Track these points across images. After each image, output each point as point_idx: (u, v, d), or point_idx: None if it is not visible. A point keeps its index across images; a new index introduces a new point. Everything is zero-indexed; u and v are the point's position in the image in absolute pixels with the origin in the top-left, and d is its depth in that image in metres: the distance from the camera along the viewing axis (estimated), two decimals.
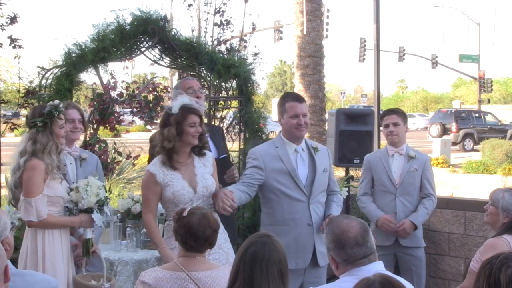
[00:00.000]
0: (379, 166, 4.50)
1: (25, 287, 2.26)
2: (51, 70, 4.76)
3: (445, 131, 25.07)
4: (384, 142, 5.06)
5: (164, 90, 5.29)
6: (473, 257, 3.24)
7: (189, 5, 5.75)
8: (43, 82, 4.71)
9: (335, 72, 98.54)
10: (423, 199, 4.43)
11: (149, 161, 3.94)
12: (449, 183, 14.04)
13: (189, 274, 2.59)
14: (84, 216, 3.43)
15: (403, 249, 4.39)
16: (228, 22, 5.64)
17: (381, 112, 6.73)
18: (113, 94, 5.09)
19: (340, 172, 9.30)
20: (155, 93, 5.21)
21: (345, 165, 5.58)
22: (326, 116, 11.59)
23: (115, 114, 4.98)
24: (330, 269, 3.17)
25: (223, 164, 4.01)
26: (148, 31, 4.86)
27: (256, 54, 5.67)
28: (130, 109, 5.17)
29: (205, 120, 4.17)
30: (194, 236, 2.64)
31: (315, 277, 3.61)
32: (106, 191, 3.51)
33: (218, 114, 5.40)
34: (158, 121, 5.49)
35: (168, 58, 5.20)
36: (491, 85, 36.16)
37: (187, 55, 5.07)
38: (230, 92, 5.28)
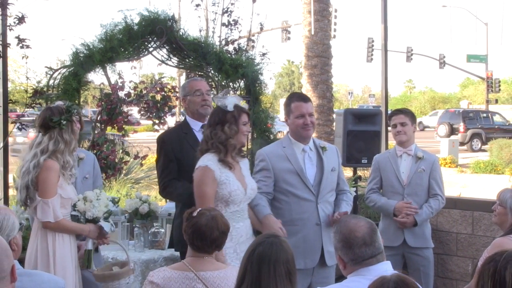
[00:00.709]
0: (388, 167, 4.50)
1: (32, 287, 2.29)
2: (59, 70, 4.77)
3: (452, 131, 24.97)
4: (392, 142, 5.05)
5: (172, 90, 5.29)
6: (480, 257, 3.23)
7: (197, 5, 5.75)
8: (51, 82, 4.73)
9: (343, 72, 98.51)
10: (429, 199, 4.42)
11: (157, 161, 3.95)
12: (457, 183, 13.99)
13: (197, 274, 2.60)
14: (92, 226, 3.44)
15: (411, 249, 4.38)
16: (236, 22, 5.64)
17: (389, 112, 6.72)
18: (121, 94, 5.09)
19: (348, 172, 9.28)
20: (163, 93, 5.22)
21: (352, 165, 5.57)
22: (334, 116, 11.58)
23: (123, 114, 4.99)
24: (338, 269, 3.16)
25: None
26: (156, 31, 4.87)
27: (264, 54, 5.65)
28: (138, 109, 5.18)
29: None
30: (200, 237, 2.65)
31: (323, 277, 3.61)
32: (114, 204, 3.52)
33: None
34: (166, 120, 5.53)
35: (176, 58, 5.22)
36: (499, 85, 35.94)
37: (195, 55, 5.08)
38: (238, 92, 5.28)
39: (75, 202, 3.45)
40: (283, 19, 28.13)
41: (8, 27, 4.69)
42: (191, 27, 8.45)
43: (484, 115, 26.50)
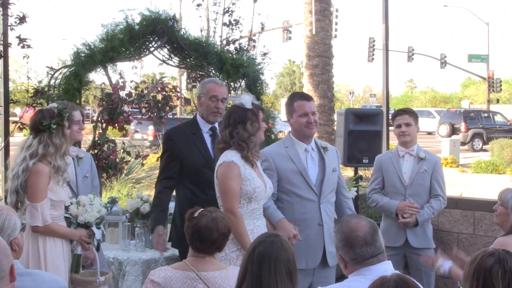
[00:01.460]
0: (390, 167, 4.49)
1: (33, 287, 2.30)
2: (60, 70, 4.78)
3: (454, 131, 24.96)
4: (392, 142, 5.05)
5: (173, 90, 5.29)
6: None
7: (198, 5, 5.76)
8: (52, 82, 4.74)
9: (344, 72, 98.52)
10: (430, 199, 4.42)
11: (161, 157, 3.95)
12: (458, 183, 13.99)
13: (198, 274, 2.59)
14: (83, 231, 3.44)
15: (413, 249, 4.38)
16: (237, 22, 5.65)
17: (391, 112, 6.71)
18: (122, 94, 5.08)
19: (348, 172, 9.27)
20: (164, 93, 5.20)
21: (354, 165, 5.56)
22: (335, 116, 11.58)
23: (124, 114, 4.99)
24: (339, 269, 3.16)
25: None
26: (157, 31, 4.87)
27: (265, 54, 5.66)
28: (139, 110, 5.18)
29: None
30: (200, 238, 2.64)
31: (324, 277, 3.61)
32: (107, 210, 3.51)
33: None
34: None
35: (177, 58, 5.22)
36: (500, 85, 35.93)
37: (196, 55, 5.08)
38: (239, 92, 5.28)
39: (68, 204, 3.44)
40: (284, 19, 28.22)
41: (9, 27, 4.71)
42: (192, 27, 8.46)
43: (485, 115, 26.48)
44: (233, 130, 3.26)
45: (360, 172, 6.60)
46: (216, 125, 3.90)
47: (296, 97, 3.72)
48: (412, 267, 4.37)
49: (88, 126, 10.06)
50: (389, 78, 6.79)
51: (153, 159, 8.80)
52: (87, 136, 4.06)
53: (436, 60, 34.97)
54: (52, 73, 4.76)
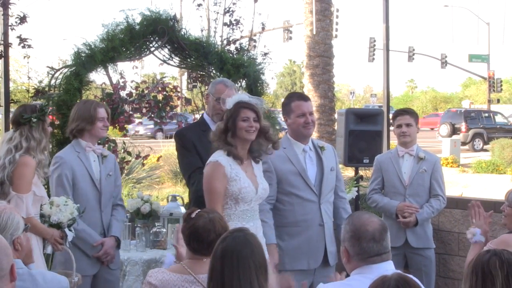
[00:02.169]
0: (390, 167, 4.50)
1: (35, 286, 2.31)
2: (61, 70, 4.77)
3: (454, 131, 24.97)
4: (393, 142, 5.05)
5: (174, 90, 5.29)
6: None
7: (199, 5, 5.75)
8: (53, 82, 4.73)
9: (345, 72, 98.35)
10: (430, 199, 4.43)
11: (179, 156, 3.89)
12: (459, 183, 14.00)
13: (196, 278, 2.56)
14: (55, 231, 3.46)
15: (413, 249, 4.39)
16: (237, 22, 5.64)
17: (391, 111, 6.72)
18: (123, 93, 5.09)
19: (349, 172, 9.28)
20: (165, 92, 5.21)
21: (354, 165, 5.56)
22: (336, 116, 11.58)
23: (125, 114, 5.00)
24: (338, 267, 3.16)
25: None
26: (157, 31, 4.86)
27: (265, 54, 5.65)
28: (139, 109, 5.18)
29: None
30: (197, 239, 2.62)
31: (324, 276, 3.60)
32: (79, 213, 3.52)
33: None
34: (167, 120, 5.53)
35: (177, 58, 5.20)
36: (501, 85, 35.93)
37: (196, 54, 5.07)
38: (239, 92, 5.28)
39: (45, 202, 3.48)
40: (284, 19, 28.24)
41: (10, 27, 4.72)
42: (192, 27, 8.46)
43: (486, 114, 26.49)
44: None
45: (361, 172, 6.60)
46: None
47: (294, 98, 3.71)
48: (412, 267, 4.37)
49: None
50: (389, 78, 6.81)
51: (153, 159, 8.83)
52: None
53: (436, 60, 34.97)
54: (53, 73, 4.75)
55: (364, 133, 5.34)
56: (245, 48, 5.59)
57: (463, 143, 22.58)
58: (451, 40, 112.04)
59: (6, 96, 4.79)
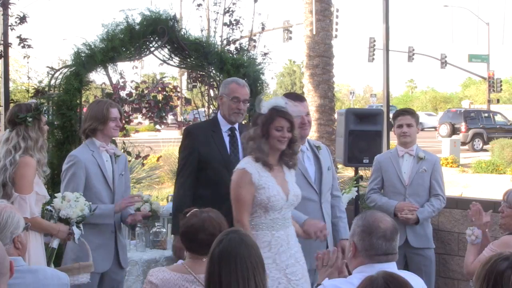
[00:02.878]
0: (389, 167, 4.51)
1: (36, 283, 2.33)
2: (61, 70, 4.76)
3: (454, 131, 24.99)
4: (393, 142, 5.05)
5: (174, 90, 5.30)
6: (485, 250, 3.25)
7: (199, 5, 5.75)
8: (53, 82, 4.73)
9: (345, 72, 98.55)
10: (431, 198, 4.45)
11: (180, 152, 3.90)
12: (459, 183, 14.01)
13: (196, 277, 2.57)
14: (62, 226, 3.46)
15: (413, 249, 4.40)
16: (237, 22, 5.64)
17: (392, 111, 6.72)
18: (123, 94, 5.10)
19: (349, 172, 9.28)
20: (165, 92, 5.22)
21: (354, 165, 5.56)
22: (336, 116, 11.59)
23: (124, 114, 5.00)
24: None
25: None
26: (157, 31, 4.87)
27: (265, 54, 5.65)
28: (139, 109, 5.19)
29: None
30: (188, 238, 2.64)
31: None
32: (90, 211, 3.52)
33: None
34: (168, 121, 5.54)
35: (177, 58, 5.20)
36: (501, 85, 35.96)
37: (196, 55, 5.08)
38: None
39: (47, 200, 3.49)
40: (284, 19, 28.24)
41: (9, 27, 4.72)
42: (192, 27, 8.45)
43: (486, 115, 26.52)
44: (245, 133, 3.25)
45: (361, 172, 6.59)
46: (236, 126, 3.91)
47: (290, 99, 3.64)
48: (412, 267, 4.38)
49: None
50: (389, 78, 6.81)
51: (153, 159, 8.83)
52: None
53: (436, 60, 34.99)
54: (53, 73, 4.75)
55: (364, 133, 5.34)
56: (245, 48, 5.59)
57: (463, 143, 22.60)
58: (451, 40, 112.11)
59: (6, 96, 4.80)
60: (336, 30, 20.10)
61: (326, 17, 12.24)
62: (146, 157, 5.69)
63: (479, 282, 2.03)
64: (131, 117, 5.22)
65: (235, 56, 5.30)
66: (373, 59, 28.61)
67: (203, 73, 5.43)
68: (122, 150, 5.24)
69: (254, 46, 5.91)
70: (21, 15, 4.72)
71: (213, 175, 3.78)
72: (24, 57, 4.83)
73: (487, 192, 10.86)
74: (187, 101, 5.70)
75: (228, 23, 5.67)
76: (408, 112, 4.53)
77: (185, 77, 7.82)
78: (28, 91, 4.87)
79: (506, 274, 1.97)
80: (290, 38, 26.42)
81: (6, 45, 4.75)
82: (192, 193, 3.82)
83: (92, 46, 4.65)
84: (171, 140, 13.66)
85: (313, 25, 11.99)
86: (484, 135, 24.12)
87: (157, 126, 5.36)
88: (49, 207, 3.46)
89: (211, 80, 5.31)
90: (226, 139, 3.87)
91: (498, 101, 38.53)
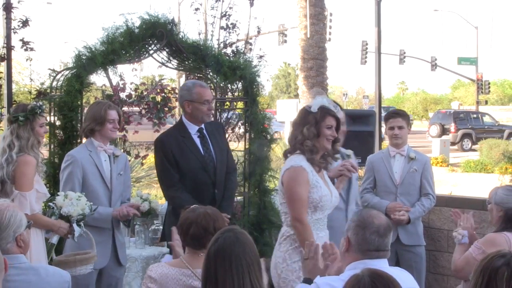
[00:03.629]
0: (381, 167, 4.57)
1: (38, 280, 2.37)
2: (62, 72, 4.81)
3: (444, 131, 25.16)
4: (385, 142, 5.15)
5: (172, 92, 5.37)
6: (471, 248, 3.36)
7: (196, 9, 5.81)
8: (54, 83, 4.77)
9: (338, 74, 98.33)
10: (421, 198, 4.52)
11: (157, 164, 3.88)
12: (448, 182, 14.15)
13: (194, 272, 2.59)
14: (63, 223, 3.52)
15: (404, 247, 4.47)
16: (234, 25, 5.71)
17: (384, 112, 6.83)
18: (122, 95, 5.15)
19: None
20: (163, 94, 5.28)
21: None
22: None
23: (124, 115, 5.08)
24: None
25: None
26: (156, 34, 4.90)
27: (261, 57, 5.74)
28: (139, 110, 5.26)
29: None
30: (181, 232, 2.67)
31: None
32: (91, 211, 3.58)
33: (224, 115, 5.50)
34: (166, 121, 5.61)
35: (175, 61, 5.25)
36: (489, 87, 36.28)
37: (194, 57, 5.11)
38: (236, 94, 5.38)
39: (49, 198, 3.56)
40: (279, 23, 28.12)
41: (12, 30, 4.77)
42: (190, 30, 8.51)
43: (474, 116, 26.67)
44: (293, 132, 3.15)
45: None
46: (203, 126, 3.98)
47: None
48: (403, 263, 4.44)
49: None
50: (381, 80, 6.92)
51: (152, 159, 8.82)
52: None
53: (427, 63, 35.15)
54: (54, 75, 4.80)
55: (356, 134, 5.44)
56: (241, 51, 5.66)
57: (452, 143, 22.77)
58: (441, 43, 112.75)
59: (9, 97, 4.84)
60: (330, 33, 20.20)
61: (320, 21, 12.36)
62: (145, 156, 5.75)
63: (475, 276, 2.06)
64: (130, 118, 5.29)
65: (231, 59, 5.35)
66: (366, 61, 28.69)
67: (201, 75, 5.48)
68: (122, 150, 5.35)
69: (250, 49, 5.98)
70: (24, 19, 4.77)
71: (192, 179, 3.85)
72: (27, 59, 4.88)
73: (476, 190, 11.00)
74: None
75: (225, 27, 5.73)
76: (400, 114, 4.57)
77: (183, 79, 7.89)
78: (30, 92, 4.92)
79: (500, 271, 2.00)
80: (285, 41, 26.45)
81: (9, 48, 4.80)
82: (183, 191, 3.83)
83: (93, 49, 4.68)
84: None
85: (307, 28, 12.09)
86: (473, 135, 24.33)
87: (156, 127, 5.41)
88: (51, 204, 3.52)
89: (209, 82, 5.39)
90: (197, 141, 3.93)
91: (486, 102, 38.78)
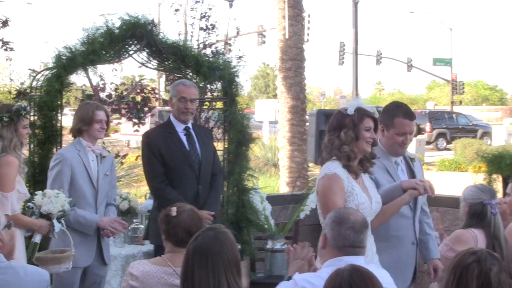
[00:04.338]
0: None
1: (16, 279, 2.36)
2: (42, 72, 4.79)
3: (419, 131, 25.58)
4: None
5: (152, 92, 5.40)
6: (440, 245, 3.49)
7: (176, 10, 5.86)
8: (34, 83, 4.73)
9: (316, 75, 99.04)
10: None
11: (143, 157, 3.98)
12: None
13: (175, 270, 2.61)
14: (43, 222, 3.53)
15: None
16: (213, 26, 5.76)
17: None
18: (102, 95, 5.17)
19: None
20: (143, 94, 5.31)
21: None
22: (307, 116, 11.85)
23: None
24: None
25: None
26: (136, 34, 4.89)
27: (240, 57, 5.81)
28: (118, 110, 5.28)
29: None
30: (162, 228, 2.72)
31: None
32: (71, 206, 3.61)
33: (203, 115, 5.57)
34: (147, 120, 5.65)
35: (155, 61, 5.25)
36: (463, 87, 36.96)
37: (174, 58, 5.13)
38: (215, 94, 5.44)
39: (28, 198, 3.56)
40: (258, 24, 28.25)
41: None
42: (170, 31, 8.52)
43: (449, 115, 27.20)
44: (329, 138, 3.02)
45: None
46: (190, 125, 4.08)
47: (400, 113, 3.36)
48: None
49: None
50: (358, 81, 7.06)
51: (132, 158, 8.85)
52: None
53: (403, 64, 35.56)
54: (34, 75, 4.77)
55: None
56: (221, 51, 5.71)
57: (428, 143, 23.16)
58: (417, 44, 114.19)
59: None
60: (308, 34, 20.30)
61: (299, 22, 12.48)
62: (124, 156, 5.79)
63: (448, 273, 2.11)
64: (110, 118, 5.30)
65: (211, 59, 5.38)
66: (343, 62, 28.93)
67: (180, 76, 5.50)
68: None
69: (230, 50, 6.04)
70: (4, 19, 4.75)
71: (176, 172, 3.94)
72: (7, 59, 4.87)
73: (450, 189, 11.22)
74: (165, 102, 5.79)
75: (204, 28, 5.78)
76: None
77: (163, 79, 7.93)
78: (10, 92, 4.91)
79: (471, 268, 2.05)
80: (264, 42, 26.49)
81: None
82: (166, 184, 3.91)
83: (73, 49, 4.67)
84: None
85: (286, 29, 12.18)
86: (447, 135, 24.77)
87: (135, 127, 5.43)
88: (30, 204, 3.53)
89: None
90: (183, 138, 4.04)
91: (460, 102, 39.52)
